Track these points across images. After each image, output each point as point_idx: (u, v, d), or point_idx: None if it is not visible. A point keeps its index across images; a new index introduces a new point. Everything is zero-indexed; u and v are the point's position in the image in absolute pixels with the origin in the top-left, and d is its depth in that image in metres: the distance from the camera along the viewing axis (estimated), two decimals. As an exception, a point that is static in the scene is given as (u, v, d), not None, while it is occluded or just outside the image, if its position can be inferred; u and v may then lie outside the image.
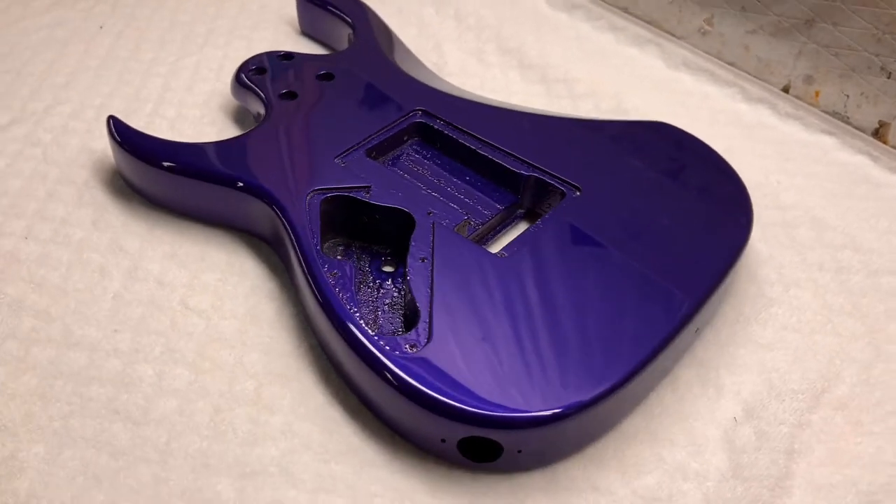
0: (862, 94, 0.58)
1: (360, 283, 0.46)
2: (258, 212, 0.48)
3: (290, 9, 0.71)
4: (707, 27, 0.65)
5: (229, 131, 0.59)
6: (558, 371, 0.38)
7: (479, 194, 0.50)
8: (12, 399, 0.41)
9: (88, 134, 0.58)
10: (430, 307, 0.41)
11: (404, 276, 0.43)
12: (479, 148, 0.51)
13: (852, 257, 0.50)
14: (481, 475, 0.39)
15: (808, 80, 0.60)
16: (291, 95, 0.55)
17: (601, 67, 0.67)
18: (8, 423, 0.40)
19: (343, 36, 0.65)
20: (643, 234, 0.45)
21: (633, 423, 0.41)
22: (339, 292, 0.42)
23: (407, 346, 0.39)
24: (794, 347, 0.45)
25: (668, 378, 0.43)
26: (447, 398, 0.36)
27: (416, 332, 0.40)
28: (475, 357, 0.38)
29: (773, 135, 0.60)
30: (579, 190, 0.48)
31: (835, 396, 0.43)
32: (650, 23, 0.70)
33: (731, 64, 0.65)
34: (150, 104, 0.62)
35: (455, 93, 0.57)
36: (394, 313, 0.44)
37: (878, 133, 0.58)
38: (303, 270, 0.43)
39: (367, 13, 0.65)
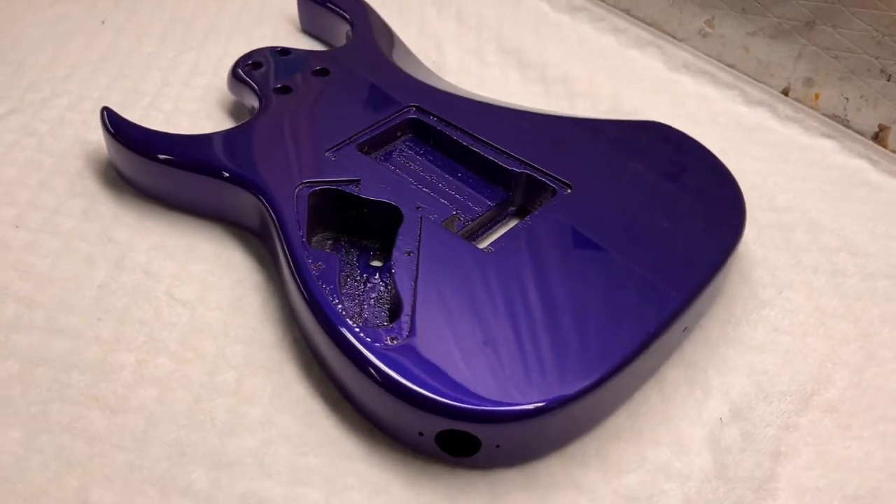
0: (862, 96, 0.57)
1: (347, 276, 0.45)
2: (246, 203, 0.48)
3: (291, 6, 0.71)
4: (708, 29, 0.65)
5: (225, 126, 0.59)
6: (540, 366, 0.37)
7: (470, 191, 0.50)
8: (-7, 384, 0.41)
9: (84, 126, 0.58)
10: (414, 300, 0.40)
11: (390, 269, 0.43)
12: (472, 144, 0.51)
13: (848, 260, 0.50)
14: (460, 471, 0.38)
15: (808, 82, 0.59)
16: (286, 90, 0.55)
17: (601, 68, 0.66)
18: (-13, 408, 0.40)
19: (343, 33, 0.65)
20: (633, 232, 0.45)
21: (618, 422, 0.41)
22: (322, 283, 0.41)
23: (388, 338, 0.39)
24: (784, 350, 0.45)
25: (655, 378, 0.43)
26: (424, 389, 0.36)
27: (399, 324, 0.39)
28: (457, 350, 0.38)
29: (772, 138, 0.60)
30: (570, 187, 0.48)
31: (824, 399, 0.42)
32: (652, 25, 0.69)
33: (731, 66, 0.64)
34: (148, 98, 0.62)
35: (450, 90, 0.57)
36: (380, 307, 0.44)
37: (878, 137, 0.57)
38: (287, 261, 0.43)
39: (366, 11, 0.65)
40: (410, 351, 0.38)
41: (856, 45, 0.56)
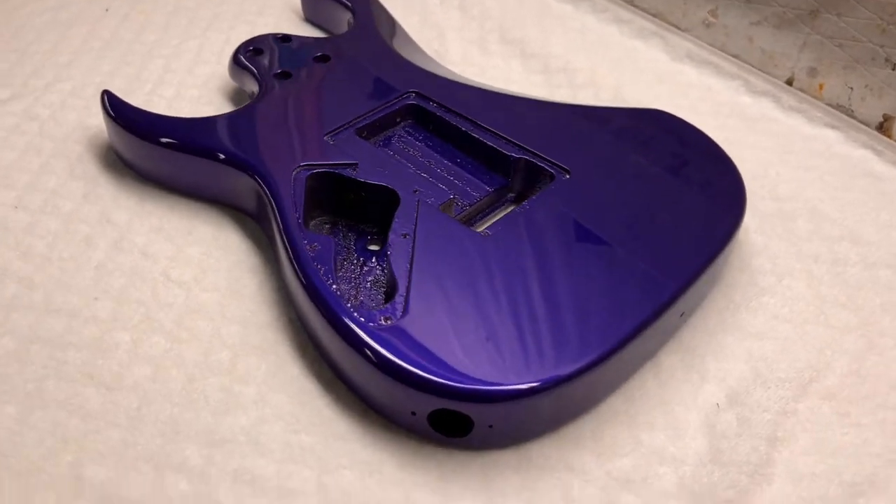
0: (866, 86, 0.56)
1: (344, 260, 0.45)
2: (244, 186, 0.48)
3: (295, -5, 0.71)
4: (711, 19, 0.65)
5: (225, 111, 0.59)
6: (534, 346, 0.37)
7: (469, 176, 0.50)
8: (-11, 362, 0.41)
9: (86, 110, 0.58)
10: (409, 281, 0.40)
11: (386, 252, 0.43)
12: (471, 130, 0.51)
13: (850, 249, 0.49)
14: (453, 451, 0.38)
15: (812, 72, 0.59)
16: (286, 75, 0.55)
17: (603, 59, 0.66)
18: (-18, 385, 0.40)
19: (345, 22, 0.65)
20: (631, 218, 0.45)
21: (613, 406, 0.40)
22: (317, 264, 0.41)
23: (382, 318, 0.39)
24: (783, 337, 0.44)
25: (652, 362, 0.43)
26: (417, 368, 0.36)
27: (393, 305, 0.39)
28: (450, 330, 0.38)
29: (776, 128, 0.59)
30: (569, 173, 0.48)
31: (823, 386, 0.42)
32: (656, 15, 0.69)
33: (734, 56, 0.64)
34: (150, 84, 0.62)
35: (451, 77, 0.57)
36: (376, 290, 0.44)
37: (883, 127, 0.57)
38: (283, 242, 0.43)
39: (368, 0, 0.65)
40: (404, 331, 0.38)
41: (860, 34, 0.55)
